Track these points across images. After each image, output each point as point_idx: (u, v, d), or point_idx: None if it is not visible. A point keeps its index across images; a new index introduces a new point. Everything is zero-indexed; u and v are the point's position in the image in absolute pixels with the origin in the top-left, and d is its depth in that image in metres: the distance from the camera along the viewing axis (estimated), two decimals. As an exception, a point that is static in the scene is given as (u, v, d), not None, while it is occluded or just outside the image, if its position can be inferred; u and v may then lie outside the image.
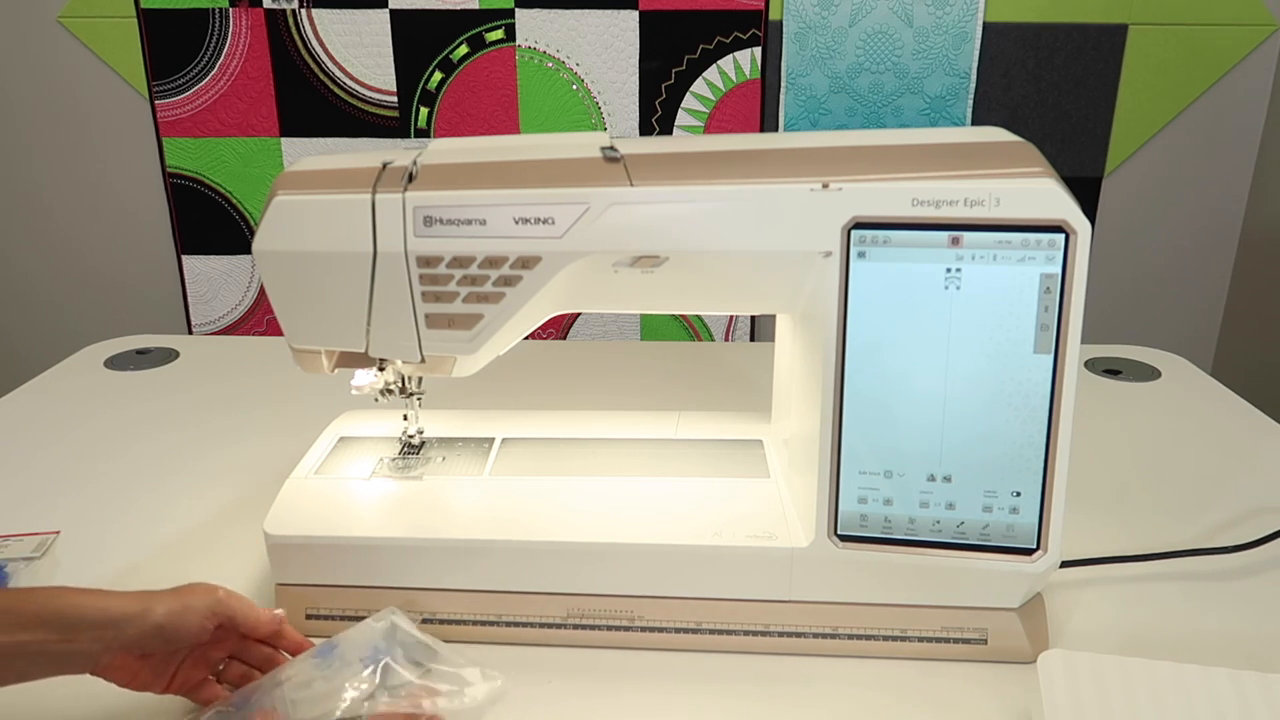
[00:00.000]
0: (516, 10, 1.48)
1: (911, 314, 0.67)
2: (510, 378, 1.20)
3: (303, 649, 0.68)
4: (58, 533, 0.89)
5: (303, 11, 1.49)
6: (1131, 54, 1.48)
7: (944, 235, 0.65)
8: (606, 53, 1.50)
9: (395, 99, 1.53)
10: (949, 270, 0.66)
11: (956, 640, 0.73)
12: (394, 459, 0.85)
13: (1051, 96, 1.50)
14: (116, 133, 1.58)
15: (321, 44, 1.50)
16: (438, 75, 1.52)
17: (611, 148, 0.71)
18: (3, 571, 0.81)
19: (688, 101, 1.52)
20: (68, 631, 0.59)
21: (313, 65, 1.51)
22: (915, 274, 0.66)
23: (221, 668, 0.67)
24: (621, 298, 0.75)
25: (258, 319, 1.67)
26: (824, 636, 0.73)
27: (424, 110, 1.54)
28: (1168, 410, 1.15)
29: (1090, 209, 1.58)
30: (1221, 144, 1.54)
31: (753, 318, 1.66)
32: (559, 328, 1.67)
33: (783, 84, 1.50)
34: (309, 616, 0.75)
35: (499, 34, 1.49)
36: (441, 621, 0.75)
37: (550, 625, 0.75)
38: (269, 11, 1.49)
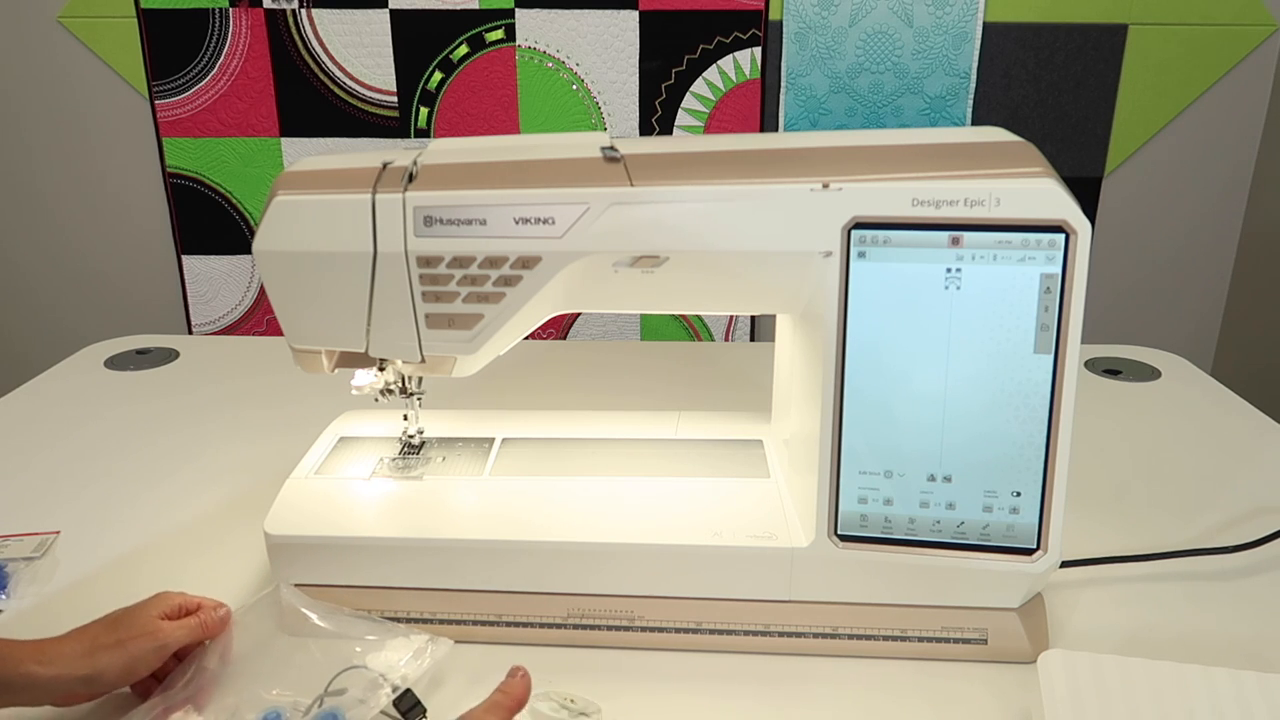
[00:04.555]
0: (516, 10, 1.48)
1: (911, 314, 0.67)
2: (510, 378, 1.20)
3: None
4: (58, 533, 0.89)
5: (303, 11, 1.48)
6: (1131, 54, 1.48)
7: (944, 235, 0.65)
8: (606, 53, 1.49)
9: (395, 99, 1.53)
10: (949, 270, 0.66)
11: (956, 640, 0.73)
12: (394, 459, 0.85)
13: (1051, 96, 1.50)
14: (116, 133, 1.58)
15: (321, 44, 1.50)
16: (438, 75, 1.52)
17: (611, 148, 0.71)
18: (3, 571, 0.81)
19: (688, 101, 1.52)
20: (15, 694, 0.61)
21: (313, 65, 1.51)
22: (915, 274, 0.66)
23: None
24: (621, 298, 0.75)
25: (258, 319, 1.67)
26: (824, 636, 0.73)
27: (424, 110, 1.54)
28: (1168, 410, 1.15)
29: (1090, 209, 1.58)
30: (1221, 144, 1.54)
31: (753, 318, 1.66)
32: (559, 328, 1.67)
33: (783, 84, 1.50)
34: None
35: (499, 34, 1.49)
36: (441, 621, 0.75)
37: (550, 625, 0.75)
38: (269, 11, 1.49)
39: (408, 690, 0.66)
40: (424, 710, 0.66)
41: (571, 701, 0.68)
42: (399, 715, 0.65)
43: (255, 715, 0.65)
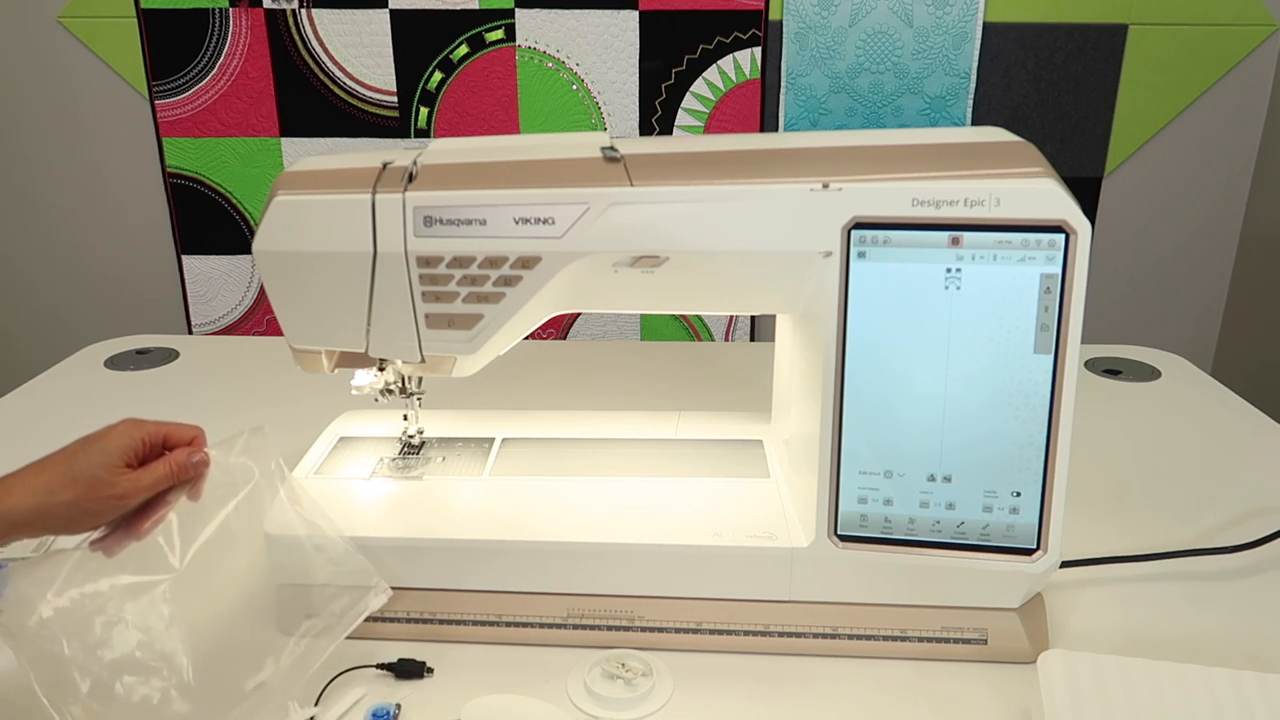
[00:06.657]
0: (516, 10, 1.48)
1: (911, 314, 0.67)
2: (510, 378, 1.20)
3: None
4: (58, 533, 0.88)
5: (303, 11, 1.48)
6: (1131, 54, 1.48)
7: (944, 235, 0.65)
8: (606, 53, 1.49)
9: (395, 99, 1.53)
10: (949, 270, 0.66)
11: (956, 640, 0.73)
12: (394, 459, 0.85)
13: (1051, 96, 1.50)
14: (116, 133, 1.58)
15: (321, 44, 1.50)
16: (438, 75, 1.52)
17: (611, 148, 0.71)
18: (2, 571, 0.81)
19: (688, 101, 1.52)
20: None
21: (313, 65, 1.51)
22: (915, 274, 0.66)
23: None
24: (621, 298, 0.75)
25: (258, 319, 1.67)
26: (824, 636, 0.73)
27: (424, 110, 1.54)
28: (1168, 410, 1.15)
29: (1090, 209, 1.58)
30: (1221, 144, 1.54)
31: (753, 318, 1.66)
32: (559, 328, 1.67)
33: (783, 84, 1.50)
34: (309, 617, 0.75)
35: (499, 34, 1.49)
36: (441, 621, 0.75)
37: (550, 625, 0.75)
38: (269, 11, 1.49)
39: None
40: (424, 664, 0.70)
41: (623, 666, 0.70)
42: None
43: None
